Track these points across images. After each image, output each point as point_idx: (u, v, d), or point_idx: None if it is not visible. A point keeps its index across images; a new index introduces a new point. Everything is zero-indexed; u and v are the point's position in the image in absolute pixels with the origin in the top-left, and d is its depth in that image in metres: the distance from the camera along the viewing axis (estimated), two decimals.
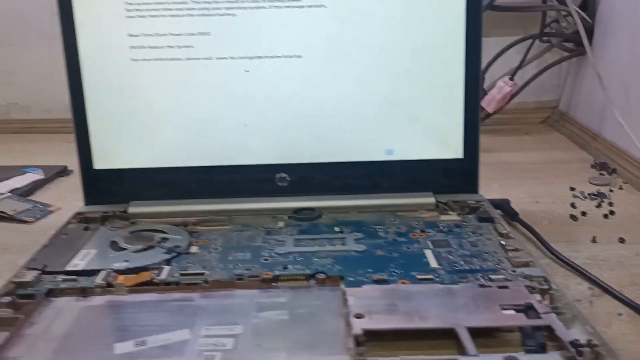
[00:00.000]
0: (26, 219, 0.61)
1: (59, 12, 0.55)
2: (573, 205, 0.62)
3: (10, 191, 0.67)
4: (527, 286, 0.43)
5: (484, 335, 0.39)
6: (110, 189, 0.59)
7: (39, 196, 0.69)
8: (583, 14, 0.83)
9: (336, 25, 0.56)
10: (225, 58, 0.57)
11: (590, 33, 0.84)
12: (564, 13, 0.86)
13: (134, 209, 0.57)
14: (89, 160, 0.58)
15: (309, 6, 0.56)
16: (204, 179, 0.59)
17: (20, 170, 0.75)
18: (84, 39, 0.56)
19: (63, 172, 0.77)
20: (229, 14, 0.56)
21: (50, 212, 0.64)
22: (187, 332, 0.40)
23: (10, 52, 0.99)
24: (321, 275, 0.45)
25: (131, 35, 0.56)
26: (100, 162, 0.58)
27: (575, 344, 0.36)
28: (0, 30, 0.98)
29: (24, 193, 0.68)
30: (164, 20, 0.56)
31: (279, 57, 0.57)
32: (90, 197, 0.59)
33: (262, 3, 0.56)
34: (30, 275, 0.46)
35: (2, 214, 0.62)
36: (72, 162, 0.77)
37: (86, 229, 0.55)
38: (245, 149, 0.58)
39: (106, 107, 0.57)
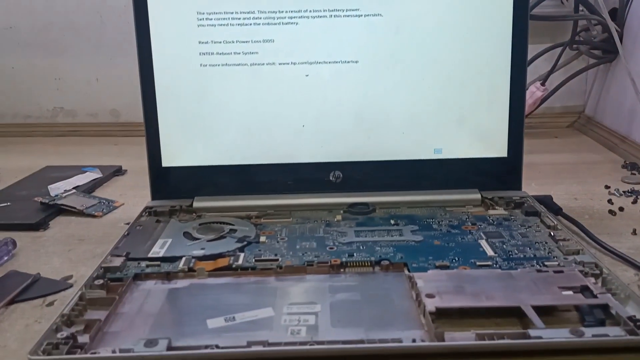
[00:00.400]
0: (94, 213, 0.65)
1: (134, 19, 0.59)
2: (610, 202, 0.66)
3: (74, 188, 0.71)
4: (580, 271, 0.46)
5: (544, 314, 0.42)
6: (175, 185, 0.62)
7: (100, 193, 0.73)
8: (613, 23, 0.86)
9: (391, 33, 0.60)
10: (287, 63, 0.61)
11: (619, 40, 0.87)
12: (593, 22, 0.89)
13: (198, 203, 0.61)
14: (158, 158, 0.62)
15: (366, 15, 0.60)
16: (264, 176, 0.62)
17: (79, 169, 0.79)
18: (157, 46, 0.60)
19: (118, 171, 0.81)
20: (292, 23, 0.60)
21: (115, 207, 0.68)
22: (270, 309, 0.43)
23: (58, 58, 1.04)
24: (386, 262, 0.49)
25: (201, 42, 0.60)
26: (168, 160, 0.62)
27: (633, 319, 0.39)
28: (50, 38, 1.03)
29: (86, 190, 0.72)
30: (232, 29, 0.60)
31: (337, 62, 0.61)
32: (158, 192, 0.63)
33: (322, 12, 0.60)
34: (117, 261, 0.49)
35: (71, 209, 0.65)
36: (124, 162, 0.82)
37: (157, 221, 0.59)
38: (303, 148, 0.62)
39: (175, 109, 0.61)
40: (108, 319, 0.42)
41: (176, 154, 0.62)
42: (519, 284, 0.44)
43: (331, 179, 0.63)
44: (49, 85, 1.05)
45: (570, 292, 0.43)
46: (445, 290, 0.44)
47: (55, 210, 0.65)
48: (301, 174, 0.63)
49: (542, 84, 0.90)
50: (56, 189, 0.70)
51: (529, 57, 0.92)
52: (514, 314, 0.42)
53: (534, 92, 0.90)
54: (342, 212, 0.61)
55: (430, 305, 0.41)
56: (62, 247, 0.57)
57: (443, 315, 0.42)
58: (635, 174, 0.75)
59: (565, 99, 1.02)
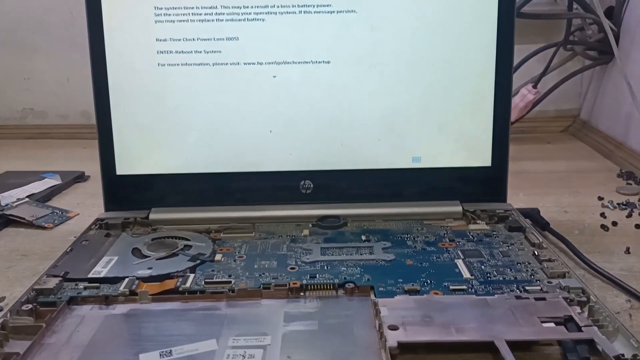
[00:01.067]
0: (44, 224, 0.60)
1: (87, 15, 0.54)
2: (603, 215, 0.61)
3: (28, 196, 0.67)
4: (565, 298, 0.41)
5: (522, 349, 0.37)
6: (131, 194, 0.58)
7: (57, 202, 0.68)
8: (609, 22, 0.81)
9: (366, 31, 0.55)
10: (253, 63, 0.56)
11: (615, 41, 0.82)
12: (589, 21, 0.84)
13: (155, 215, 0.57)
14: (112, 166, 0.57)
15: (339, 11, 0.55)
16: (227, 186, 0.58)
17: (38, 175, 0.74)
18: (111, 43, 0.55)
19: (80, 177, 0.76)
20: (258, 19, 0.55)
21: (69, 217, 0.63)
22: (214, 342, 0.38)
23: (27, 57, 0.99)
24: (350, 285, 0.44)
25: (159, 39, 0.55)
26: (123, 167, 0.57)
27: (620, 359, 0.35)
28: (18, 36, 0.98)
29: (42, 199, 0.68)
30: (192, 25, 0.55)
31: (307, 62, 0.56)
32: (111, 202, 0.58)
33: (291, 8, 0.55)
34: (52, 283, 0.45)
35: (19, 220, 0.61)
36: (89, 167, 0.77)
37: (107, 235, 0.54)
38: (270, 156, 0.57)
39: (131, 112, 0.56)
40: (29, 352, 0.38)
41: (132, 161, 0.57)
42: (495, 313, 0.39)
43: (301, 189, 0.58)
44: (18, 86, 1.00)
45: (552, 324, 0.38)
46: (412, 321, 0.39)
47: (3, 221, 0.60)
48: (268, 184, 0.58)
49: (534, 87, 0.86)
50: (8, 197, 0.66)
51: (521, 58, 0.88)
52: (487, 349, 0.37)
53: (525, 95, 0.85)
54: (310, 225, 0.56)
55: (392, 339, 0.36)
56: (2, 263, 0.53)
57: (408, 350, 0.37)
58: (631, 184, 0.70)
59: (560, 102, 0.97)
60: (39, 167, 0.81)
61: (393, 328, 0.38)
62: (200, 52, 0.55)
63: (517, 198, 0.65)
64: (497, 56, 0.56)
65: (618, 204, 0.63)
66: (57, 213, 0.63)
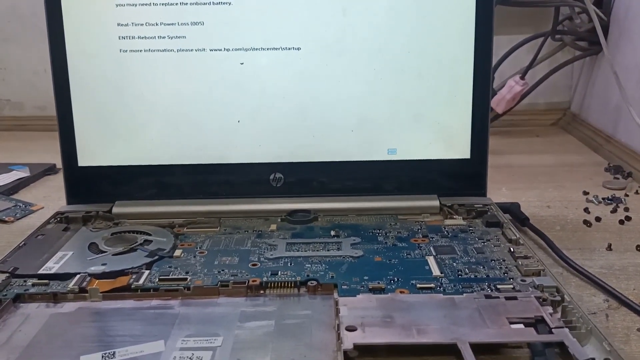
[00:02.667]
0: (5, 218, 0.58)
1: None
2: (587, 210, 0.58)
3: None
4: (537, 297, 0.39)
5: (489, 352, 0.35)
6: (94, 187, 0.55)
7: (23, 195, 0.66)
8: (598, 11, 0.79)
9: (338, 15, 0.53)
10: (220, 49, 0.53)
11: (604, 31, 0.80)
12: (577, 10, 0.82)
13: (118, 208, 0.54)
14: (73, 157, 0.55)
15: None
16: (193, 178, 0.55)
17: (6, 167, 0.71)
18: (71, 28, 0.52)
19: (51, 170, 0.74)
20: (224, 3, 0.52)
21: (32, 211, 0.61)
22: (161, 343, 0.36)
23: (2, 47, 0.97)
24: (313, 283, 0.42)
25: (120, 24, 0.53)
26: (85, 159, 0.55)
27: None
28: None
29: (7, 191, 0.65)
30: (155, 9, 0.52)
31: (276, 49, 0.53)
32: (73, 195, 0.55)
33: None
34: None
35: None
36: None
37: (66, 229, 0.52)
38: (239, 147, 0.55)
39: (92, 100, 0.54)
40: None
41: (94, 152, 0.55)
42: (461, 314, 0.37)
43: (271, 182, 0.56)
44: None
45: (521, 326, 0.36)
46: (371, 322, 0.36)
47: None
48: (236, 176, 0.55)
49: (522, 78, 0.83)
50: None
51: (509, 48, 0.85)
52: (451, 352, 0.34)
53: (512, 87, 0.82)
54: (279, 220, 0.53)
55: (348, 341, 0.34)
56: None
57: (366, 353, 0.35)
58: (618, 178, 0.68)
59: (550, 95, 0.95)
60: (13, 160, 0.79)
61: (351, 329, 0.35)
62: (164, 37, 0.53)
63: (499, 192, 0.63)
64: (475, 42, 0.53)
65: (603, 198, 0.61)
66: (20, 206, 0.61)
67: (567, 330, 0.35)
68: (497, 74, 0.85)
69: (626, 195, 0.62)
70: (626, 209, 0.58)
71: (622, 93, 0.70)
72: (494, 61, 0.83)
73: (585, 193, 0.63)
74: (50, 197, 0.65)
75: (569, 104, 0.96)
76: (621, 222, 0.55)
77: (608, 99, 0.81)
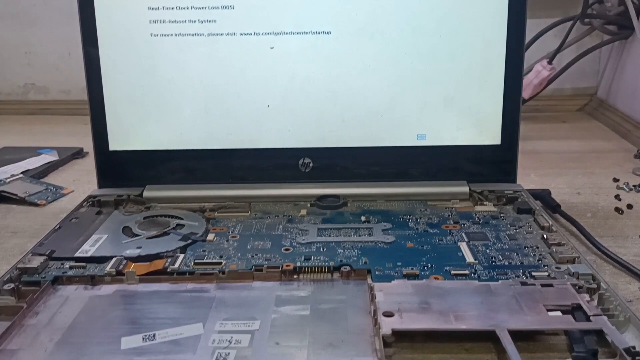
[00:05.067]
0: (37, 201, 0.59)
1: None
2: (618, 198, 0.58)
3: (23, 172, 0.65)
4: (573, 285, 0.39)
5: (526, 339, 0.35)
6: (125, 171, 0.56)
7: (53, 178, 0.67)
8: None
9: None
10: (250, 34, 0.53)
11: (636, 14, 0.78)
12: None
13: (149, 192, 0.55)
14: (105, 141, 0.55)
15: None
16: (223, 163, 0.55)
17: (35, 151, 0.72)
18: (101, 12, 0.53)
19: (78, 154, 0.74)
20: None
21: (63, 194, 0.61)
22: (200, 326, 0.36)
23: (27, 31, 0.97)
24: (346, 268, 0.42)
25: (151, 8, 0.53)
26: (116, 143, 0.55)
27: (631, 351, 0.32)
28: (18, 8, 0.96)
29: (38, 175, 0.66)
30: None
31: (306, 33, 0.53)
32: (105, 179, 0.56)
33: None
34: (36, 261, 0.43)
35: (12, 196, 0.59)
36: (89, 144, 0.75)
37: (99, 212, 0.52)
38: (268, 132, 0.55)
39: (123, 85, 0.54)
40: (8, 333, 0.36)
41: (125, 136, 0.55)
42: (497, 301, 0.37)
43: (299, 167, 0.56)
44: (20, 60, 0.98)
45: (559, 313, 0.36)
46: (408, 307, 0.36)
47: None
48: (265, 161, 0.56)
49: (549, 63, 0.82)
50: (2, 173, 0.64)
51: (536, 32, 0.84)
52: (488, 338, 0.35)
53: (539, 72, 0.81)
54: (309, 205, 0.53)
55: (386, 326, 0.34)
56: None
57: (404, 338, 0.35)
58: None
59: (576, 80, 0.94)
60: (38, 144, 0.80)
61: (388, 314, 0.36)
62: (194, 21, 0.53)
63: (528, 179, 0.63)
64: (508, 24, 0.53)
65: (634, 185, 0.60)
66: (51, 190, 0.62)
67: (605, 317, 0.35)
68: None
69: None
70: None
71: None
72: None
73: (616, 180, 0.62)
74: (79, 180, 0.66)
75: (596, 90, 0.95)
76: None
77: (638, 84, 0.79)
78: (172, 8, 0.53)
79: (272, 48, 0.53)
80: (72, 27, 0.94)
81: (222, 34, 0.53)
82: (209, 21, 0.53)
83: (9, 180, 0.62)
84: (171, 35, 0.53)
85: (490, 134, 0.55)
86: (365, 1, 0.52)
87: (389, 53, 0.53)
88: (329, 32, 0.53)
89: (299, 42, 0.53)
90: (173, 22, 0.53)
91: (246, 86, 0.54)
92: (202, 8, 0.53)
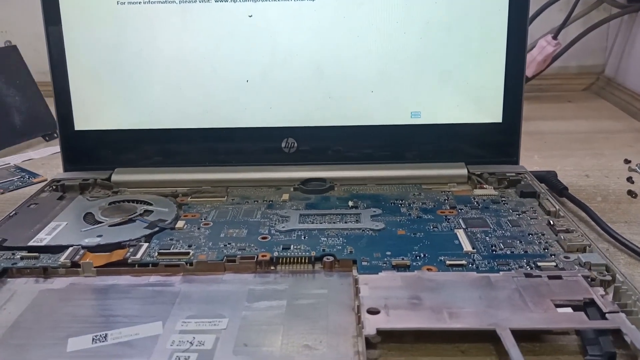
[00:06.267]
0: None
1: None
2: (630, 180, 0.53)
3: (26, 160, 0.63)
4: (585, 276, 0.34)
5: (532, 339, 0.31)
6: (92, 153, 0.51)
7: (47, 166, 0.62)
8: None
9: None
10: (226, 1, 0.48)
11: None
12: None
13: (118, 176, 0.50)
14: (70, 121, 0.51)
15: None
16: (199, 144, 0.51)
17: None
18: None
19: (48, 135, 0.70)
20: None
21: (33, 182, 0.56)
22: (159, 325, 0.32)
23: (3, 10, 0.92)
24: (329, 258, 0.37)
25: None
26: (82, 122, 0.51)
27: None
28: None
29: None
30: None
31: (288, 0, 0.48)
32: (70, 162, 0.52)
33: None
34: None
35: None
36: None
37: (61, 197, 0.48)
38: (247, 110, 0.50)
39: (88, 59, 0.49)
40: None
41: (92, 114, 0.51)
42: (498, 295, 0.32)
43: (283, 148, 0.51)
44: None
45: (569, 310, 0.31)
46: (396, 303, 0.32)
47: None
48: (245, 142, 0.51)
49: (554, 38, 0.77)
50: (1, 162, 0.62)
51: (540, 4, 0.79)
52: (488, 339, 0.30)
53: (544, 47, 0.76)
54: (292, 189, 0.49)
55: (370, 325, 0.30)
56: None
57: (391, 338, 0.30)
58: None
59: (583, 57, 0.89)
60: None
61: (373, 312, 0.31)
62: None
63: (531, 160, 0.58)
64: None
65: None
66: (24, 178, 0.57)
67: (623, 315, 0.30)
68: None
69: None
70: None
71: None
72: None
73: (627, 161, 0.58)
74: (48, 164, 0.61)
75: (603, 68, 0.90)
76: None
77: None
78: None
79: (251, 16, 0.49)
80: None
81: (195, 1, 0.48)
82: None
83: None
84: (139, 3, 0.48)
85: (490, 112, 0.50)
86: None
87: (379, 22, 0.49)
88: None
89: (280, 9, 0.48)
90: None
91: (223, 59, 0.49)
92: None
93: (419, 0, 0.48)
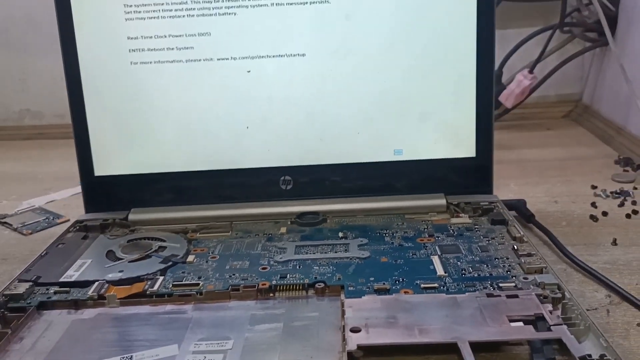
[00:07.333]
0: (24, 231, 0.61)
1: (57, 14, 0.54)
2: (594, 205, 0.59)
3: (49, 202, 0.68)
4: (538, 295, 0.40)
5: (489, 350, 0.36)
6: (111, 195, 0.57)
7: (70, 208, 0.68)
8: (606, 1, 0.79)
9: (341, 21, 0.54)
10: (227, 59, 0.55)
11: (613, 22, 0.80)
12: (585, 1, 0.82)
13: (134, 215, 0.56)
14: (90, 167, 0.57)
15: (312, 2, 0.54)
16: (206, 184, 0.57)
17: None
18: (82, 42, 0.54)
19: None
20: (229, 13, 0.54)
21: (57, 223, 0.63)
22: (175, 347, 0.38)
23: (21, 57, 0.99)
24: (320, 285, 0.43)
25: (130, 38, 0.54)
26: (101, 168, 0.57)
27: (586, 359, 0.33)
28: (12, 35, 0.98)
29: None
30: (163, 22, 0.54)
31: (281, 56, 0.55)
32: (91, 204, 0.57)
33: (263, 1, 0.53)
34: (22, 287, 0.44)
35: (8, 227, 0.61)
36: None
37: (85, 237, 0.54)
38: (248, 152, 0.56)
39: (106, 112, 0.56)
40: None
41: (110, 161, 0.57)
42: (462, 313, 0.38)
43: (280, 185, 0.57)
44: (15, 86, 1.01)
45: (521, 324, 0.37)
46: (375, 322, 0.38)
47: None
48: (247, 181, 0.57)
49: (530, 72, 0.83)
50: (25, 203, 0.68)
51: (517, 41, 0.85)
52: (452, 351, 0.36)
53: (521, 81, 0.82)
54: (289, 222, 0.55)
55: (352, 342, 0.36)
56: None
57: (373, 353, 0.36)
58: (627, 171, 0.68)
59: (561, 87, 0.95)
60: (33, 169, 0.82)
61: (355, 330, 0.37)
62: (173, 49, 0.54)
63: (507, 189, 0.64)
64: (477, 41, 0.54)
65: (612, 192, 0.61)
66: (48, 219, 0.63)
67: (565, 327, 0.36)
68: (507, 67, 0.86)
69: (635, 188, 0.62)
70: (634, 203, 0.59)
71: (629, 85, 0.70)
72: (502, 55, 0.84)
73: (594, 187, 0.63)
74: (69, 205, 0.67)
75: (581, 96, 0.96)
76: (628, 216, 0.56)
77: (618, 90, 0.80)
78: (151, 37, 0.54)
79: (249, 71, 0.55)
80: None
81: (199, 60, 0.55)
82: (187, 48, 0.54)
83: (21, 211, 0.65)
84: (151, 62, 0.55)
85: (465, 147, 0.56)
86: (337, 24, 0.54)
87: (362, 73, 0.55)
88: (303, 55, 0.55)
89: (274, 64, 0.55)
90: (152, 50, 0.55)
91: (225, 109, 0.56)
92: (180, 36, 0.54)
93: (397, 53, 0.54)
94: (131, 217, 0.56)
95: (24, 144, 0.97)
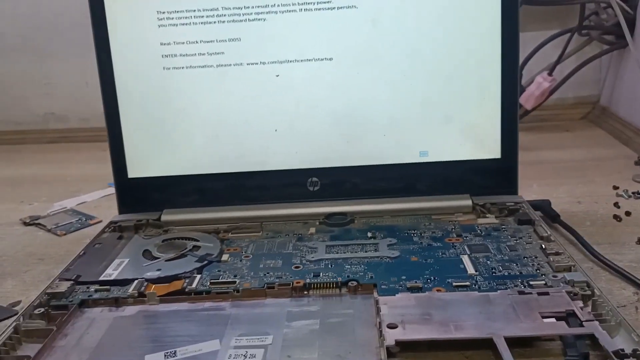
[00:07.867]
0: (58, 232, 0.62)
1: (92, 21, 0.56)
2: (617, 205, 0.60)
3: (80, 204, 0.70)
4: (568, 292, 0.41)
5: (523, 345, 0.37)
6: (144, 197, 0.59)
7: (101, 210, 0.69)
8: (624, 4, 0.79)
9: (368, 26, 0.55)
10: (256, 63, 0.56)
11: (631, 24, 0.81)
12: (603, 5, 0.82)
13: (166, 216, 0.58)
14: (123, 170, 0.58)
15: (339, 7, 0.55)
16: (235, 185, 0.58)
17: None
18: (117, 49, 0.56)
19: None
20: (259, 19, 0.55)
21: (89, 224, 0.64)
22: (217, 342, 0.39)
23: (46, 62, 1.01)
24: (353, 283, 0.44)
25: (163, 44, 0.56)
26: (134, 170, 0.58)
27: (619, 353, 0.34)
28: (36, 41, 1.00)
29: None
30: (194, 28, 0.56)
31: (309, 60, 0.56)
32: (125, 205, 0.59)
33: (292, 7, 0.55)
34: (64, 286, 0.46)
35: (42, 228, 0.63)
36: (107, 170, 0.78)
37: (120, 237, 0.55)
38: (276, 154, 0.58)
39: (139, 116, 0.57)
40: (40, 355, 0.39)
41: (143, 164, 0.58)
42: (495, 310, 0.39)
43: (308, 186, 0.58)
44: (39, 91, 1.03)
45: (553, 320, 0.38)
46: (411, 319, 0.39)
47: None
48: (275, 182, 0.58)
49: (549, 74, 0.84)
50: (57, 205, 0.70)
51: (536, 44, 0.87)
52: (487, 346, 0.37)
53: (540, 83, 0.84)
54: (317, 223, 0.56)
55: (390, 338, 0.37)
56: (19, 267, 0.54)
57: (408, 348, 0.37)
58: None
59: (579, 89, 0.95)
60: (58, 171, 0.84)
61: (392, 326, 0.38)
62: (204, 54, 0.56)
63: (530, 190, 0.65)
64: (502, 44, 0.55)
65: (633, 192, 0.62)
66: (80, 220, 0.65)
67: (597, 323, 0.37)
68: (526, 70, 0.87)
69: None
70: None
71: None
72: (522, 58, 0.85)
73: (615, 187, 0.64)
74: (100, 206, 0.69)
75: (598, 97, 0.96)
76: None
77: (637, 91, 0.81)
78: (183, 43, 0.56)
79: (278, 76, 0.56)
80: (87, 58, 0.97)
81: (230, 65, 0.56)
82: (218, 53, 0.56)
83: (53, 212, 0.67)
84: (182, 68, 0.56)
85: (490, 149, 0.57)
86: (364, 29, 0.55)
87: (388, 77, 0.56)
88: (330, 59, 0.56)
89: (302, 69, 0.56)
90: (184, 55, 0.56)
91: (254, 113, 0.57)
92: (211, 41, 0.56)
93: (422, 57, 0.55)
94: (164, 217, 0.57)
95: (49, 147, 0.99)
